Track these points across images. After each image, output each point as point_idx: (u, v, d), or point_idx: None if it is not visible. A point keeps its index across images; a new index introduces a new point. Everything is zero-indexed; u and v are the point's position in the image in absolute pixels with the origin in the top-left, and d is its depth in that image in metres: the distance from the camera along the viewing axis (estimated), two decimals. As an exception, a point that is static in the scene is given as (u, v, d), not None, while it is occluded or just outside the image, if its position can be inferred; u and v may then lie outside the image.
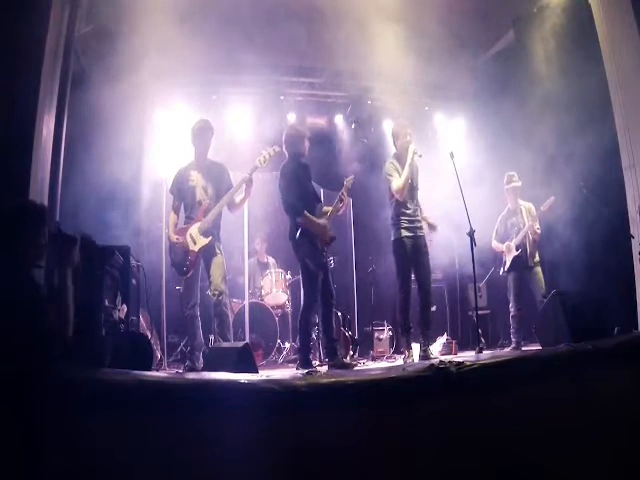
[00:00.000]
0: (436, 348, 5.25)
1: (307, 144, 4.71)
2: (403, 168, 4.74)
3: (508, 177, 5.70)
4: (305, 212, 4.42)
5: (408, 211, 4.74)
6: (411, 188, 4.81)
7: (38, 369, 2.12)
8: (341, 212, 4.83)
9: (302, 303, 4.60)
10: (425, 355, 4.59)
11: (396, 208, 4.76)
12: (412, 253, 4.71)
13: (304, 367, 4.30)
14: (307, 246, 4.44)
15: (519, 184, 5.65)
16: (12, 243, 2.32)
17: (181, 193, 4.60)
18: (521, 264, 5.52)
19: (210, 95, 6.57)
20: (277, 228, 6.78)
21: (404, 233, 4.71)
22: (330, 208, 4.68)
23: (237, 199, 4.57)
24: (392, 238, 4.80)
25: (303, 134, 4.72)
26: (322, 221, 4.51)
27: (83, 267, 2.73)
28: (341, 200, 4.67)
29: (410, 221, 4.74)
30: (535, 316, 5.27)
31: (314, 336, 5.14)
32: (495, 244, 5.76)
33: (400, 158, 4.86)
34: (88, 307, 3.19)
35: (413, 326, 4.75)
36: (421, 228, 4.81)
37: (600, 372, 2.72)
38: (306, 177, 4.60)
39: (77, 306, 2.50)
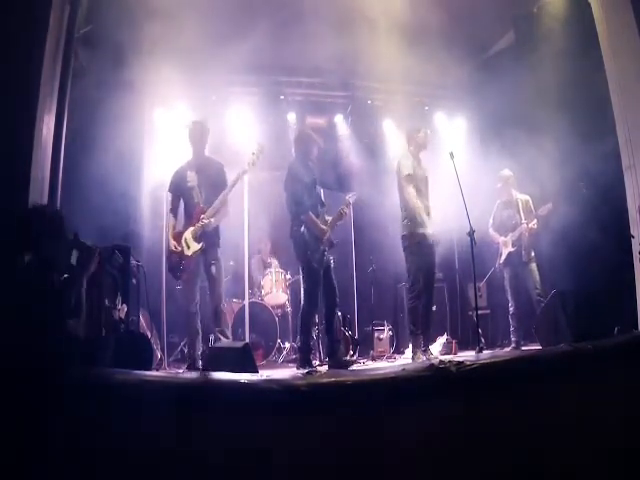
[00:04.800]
0: (436, 348, 5.25)
1: (316, 151, 4.78)
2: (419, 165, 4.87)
3: (498, 178, 5.76)
4: (310, 212, 4.48)
5: (418, 208, 4.75)
6: (423, 185, 4.83)
7: (46, 368, 2.13)
8: (341, 222, 4.91)
9: (302, 302, 4.59)
10: (425, 355, 4.59)
11: (407, 205, 4.76)
12: (424, 251, 4.71)
13: (304, 367, 4.30)
14: (310, 241, 4.46)
15: (500, 184, 5.68)
16: (29, 243, 2.37)
17: (180, 193, 4.64)
18: (516, 259, 5.55)
19: (210, 95, 6.57)
20: (278, 227, 6.78)
21: (414, 229, 4.71)
22: (329, 218, 4.75)
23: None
24: (401, 234, 4.82)
25: (315, 140, 4.79)
26: (324, 227, 4.57)
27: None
28: (341, 215, 4.78)
29: (420, 217, 4.74)
30: (531, 313, 5.29)
31: (314, 335, 5.14)
32: (492, 233, 5.78)
33: (414, 154, 4.95)
34: (88, 307, 3.21)
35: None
36: (430, 226, 4.80)
37: (600, 372, 2.72)
38: (312, 180, 4.65)
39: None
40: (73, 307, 2.42)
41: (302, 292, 4.70)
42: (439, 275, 6.71)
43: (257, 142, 4.78)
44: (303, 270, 4.62)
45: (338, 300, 4.64)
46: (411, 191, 4.75)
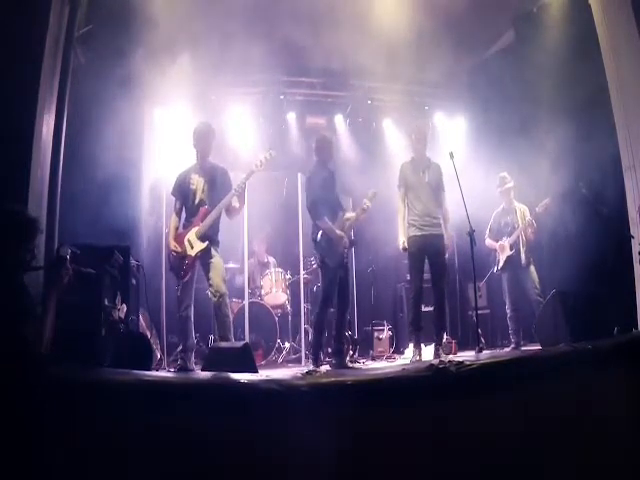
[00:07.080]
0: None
1: (333, 151, 4.99)
2: (418, 170, 4.93)
3: (500, 179, 5.73)
4: (325, 218, 4.58)
5: (417, 210, 4.82)
6: (422, 192, 4.87)
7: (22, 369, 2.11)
8: (362, 218, 4.97)
9: (319, 300, 4.71)
10: (437, 355, 4.59)
11: (408, 208, 4.89)
12: (424, 252, 4.77)
13: (315, 364, 4.52)
14: (327, 247, 4.57)
15: (511, 185, 5.68)
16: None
17: (182, 195, 4.60)
18: (515, 263, 5.55)
19: (209, 95, 6.57)
20: (277, 228, 6.77)
21: (413, 232, 4.79)
22: (352, 215, 4.86)
23: (235, 204, 4.58)
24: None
25: (331, 142, 5.00)
26: (339, 232, 4.62)
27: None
28: (363, 211, 4.84)
29: (420, 220, 4.79)
30: (531, 315, 5.28)
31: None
32: (489, 242, 5.78)
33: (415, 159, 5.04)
34: (88, 307, 3.21)
35: (423, 325, 4.76)
36: (437, 227, 4.83)
37: (600, 372, 2.72)
38: (331, 184, 4.77)
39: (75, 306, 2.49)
40: (31, 310, 2.32)
41: (321, 290, 4.79)
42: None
43: (270, 148, 4.76)
44: (321, 270, 4.74)
45: (349, 304, 4.73)
46: (398, 202, 4.95)
